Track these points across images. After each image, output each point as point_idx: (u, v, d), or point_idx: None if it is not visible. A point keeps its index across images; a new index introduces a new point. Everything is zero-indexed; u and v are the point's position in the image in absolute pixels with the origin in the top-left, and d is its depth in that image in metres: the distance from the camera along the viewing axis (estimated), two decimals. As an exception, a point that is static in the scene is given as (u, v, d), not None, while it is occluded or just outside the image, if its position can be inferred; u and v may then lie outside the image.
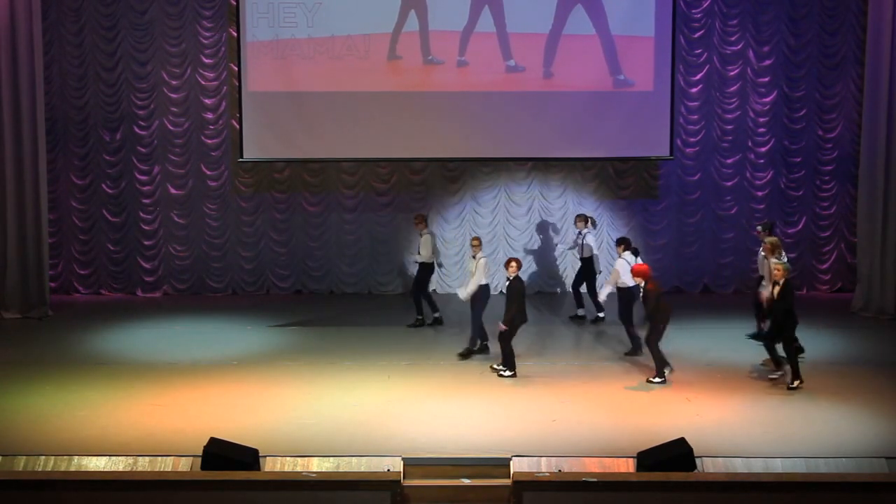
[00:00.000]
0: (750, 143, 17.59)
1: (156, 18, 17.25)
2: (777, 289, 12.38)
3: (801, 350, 12.95)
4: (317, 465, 10.26)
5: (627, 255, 14.13)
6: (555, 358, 13.76)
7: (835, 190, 17.64)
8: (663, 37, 16.34)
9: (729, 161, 17.62)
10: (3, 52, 15.61)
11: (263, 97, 16.47)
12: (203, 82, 17.43)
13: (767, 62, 17.40)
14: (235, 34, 16.60)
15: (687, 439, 10.20)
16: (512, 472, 10.02)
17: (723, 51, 17.43)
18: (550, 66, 16.39)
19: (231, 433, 10.50)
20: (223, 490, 9.51)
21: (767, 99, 17.49)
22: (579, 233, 15.82)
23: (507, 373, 12.91)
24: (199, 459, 10.08)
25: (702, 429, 11.02)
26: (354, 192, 17.75)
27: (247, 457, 10.05)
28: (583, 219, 15.84)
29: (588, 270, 15.71)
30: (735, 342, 14.11)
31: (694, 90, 17.46)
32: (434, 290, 16.61)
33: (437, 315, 15.46)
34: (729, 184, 17.65)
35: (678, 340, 14.06)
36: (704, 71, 17.46)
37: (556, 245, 17.43)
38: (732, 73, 17.46)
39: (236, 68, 16.66)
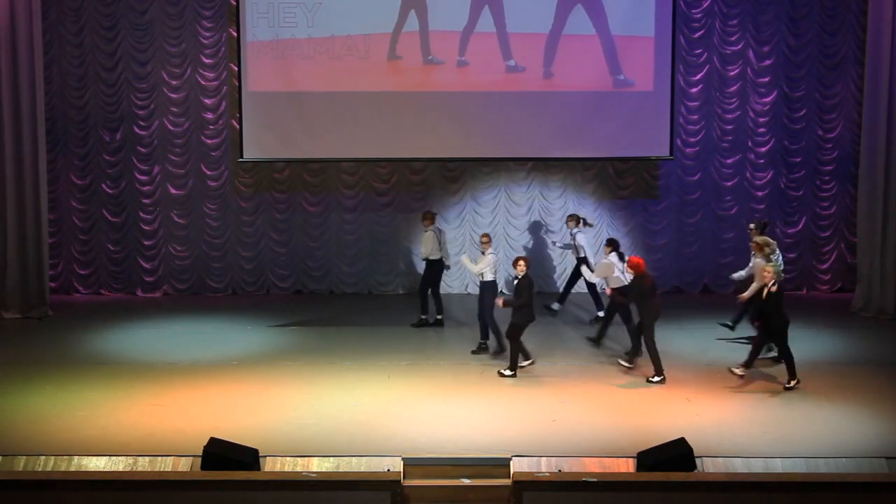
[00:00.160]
0: (750, 143, 17.58)
1: (156, 18, 17.23)
2: (766, 291, 12.38)
3: (771, 349, 13.00)
4: (317, 465, 10.26)
5: (613, 256, 14.15)
6: (555, 358, 13.76)
7: (835, 190, 17.63)
8: (663, 37, 16.34)
9: (729, 161, 17.61)
10: (3, 52, 15.61)
11: (263, 97, 16.46)
12: (203, 82, 17.42)
13: (767, 62, 17.39)
14: (235, 34, 16.60)
15: (687, 439, 10.21)
16: (512, 472, 10.03)
17: (723, 51, 17.42)
18: (550, 66, 16.39)
19: (231, 433, 10.51)
20: (223, 490, 9.52)
21: (767, 99, 17.48)
22: (570, 232, 15.84)
23: (508, 373, 12.93)
24: (199, 459, 10.09)
25: (702, 429, 11.03)
26: (354, 192, 17.75)
27: (247, 457, 10.06)
28: (574, 218, 15.86)
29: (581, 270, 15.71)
30: (735, 342, 14.10)
31: (694, 90, 17.45)
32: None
33: (439, 317, 15.46)
34: (729, 184, 17.65)
35: (678, 340, 14.08)
36: (704, 71, 17.45)
37: (554, 244, 17.41)
38: (732, 73, 17.45)
39: (236, 68, 16.65)
